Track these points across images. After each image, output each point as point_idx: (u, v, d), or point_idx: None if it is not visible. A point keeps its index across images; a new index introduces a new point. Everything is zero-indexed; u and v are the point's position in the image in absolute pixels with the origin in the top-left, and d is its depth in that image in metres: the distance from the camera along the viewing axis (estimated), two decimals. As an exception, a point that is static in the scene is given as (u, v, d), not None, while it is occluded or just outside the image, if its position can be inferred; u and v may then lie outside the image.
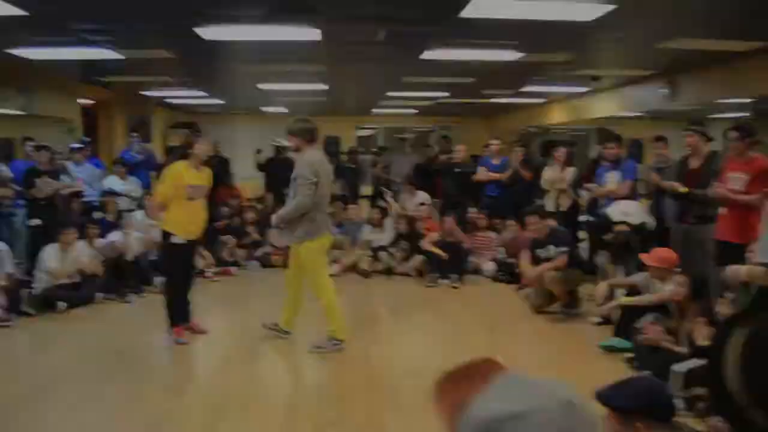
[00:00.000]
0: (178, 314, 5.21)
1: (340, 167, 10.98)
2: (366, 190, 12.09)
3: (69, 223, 6.90)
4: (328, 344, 4.87)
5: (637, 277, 5.04)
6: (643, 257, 4.89)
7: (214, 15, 5.36)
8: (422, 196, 8.95)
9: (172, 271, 5.35)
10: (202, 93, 11.61)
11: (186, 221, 5.18)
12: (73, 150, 8.67)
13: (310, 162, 4.86)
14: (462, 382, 0.95)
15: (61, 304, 6.21)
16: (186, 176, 5.14)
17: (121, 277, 6.93)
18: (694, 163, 5.61)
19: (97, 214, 7.97)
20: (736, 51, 6.71)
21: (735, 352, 0.99)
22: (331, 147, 16.25)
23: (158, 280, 6.89)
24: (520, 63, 7.54)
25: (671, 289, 4.58)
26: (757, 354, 0.97)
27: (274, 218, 5.13)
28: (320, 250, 4.97)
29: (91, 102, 11.49)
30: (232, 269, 8.07)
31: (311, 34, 6.04)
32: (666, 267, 4.72)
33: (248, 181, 12.14)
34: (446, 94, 11.54)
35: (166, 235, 5.20)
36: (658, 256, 4.84)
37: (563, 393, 0.81)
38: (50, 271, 6.38)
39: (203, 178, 5.31)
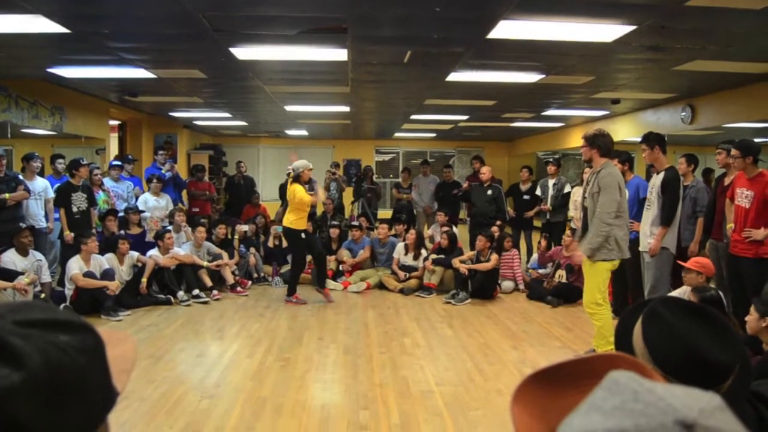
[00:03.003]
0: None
1: (362, 190, 11.23)
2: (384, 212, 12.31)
3: (90, 233, 7.09)
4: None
5: (676, 293, 5.07)
6: (685, 264, 4.92)
7: (250, 35, 5.57)
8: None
9: (300, 254, 7.57)
10: (226, 114, 11.87)
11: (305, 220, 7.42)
12: (111, 167, 8.98)
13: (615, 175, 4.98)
14: (560, 382, 0.80)
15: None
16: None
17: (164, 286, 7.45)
18: (728, 180, 5.87)
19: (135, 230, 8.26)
20: (756, 73, 6.84)
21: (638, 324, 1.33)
22: (352, 170, 16.53)
23: (180, 293, 7.40)
24: (540, 85, 7.71)
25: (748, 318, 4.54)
26: (648, 324, 1.30)
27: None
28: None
29: (119, 122, 11.81)
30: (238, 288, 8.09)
31: (338, 54, 6.24)
32: (706, 273, 4.77)
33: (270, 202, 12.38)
34: (466, 117, 11.73)
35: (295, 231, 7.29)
36: (698, 262, 4.87)
37: (687, 410, 0.57)
38: (72, 278, 6.65)
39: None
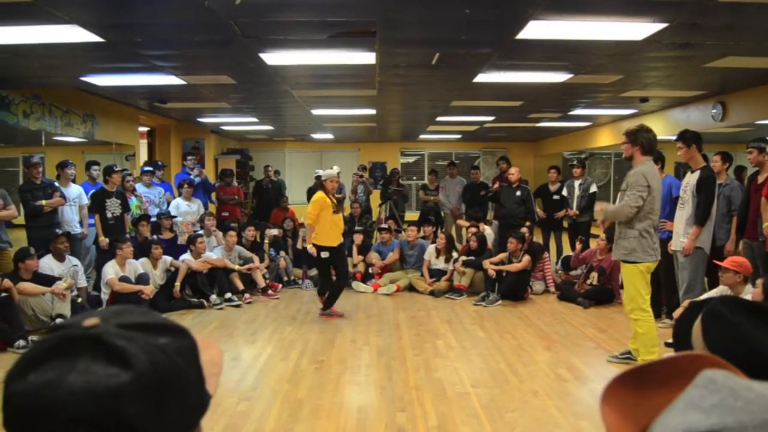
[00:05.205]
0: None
1: (388, 192, 11.26)
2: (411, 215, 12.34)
3: (125, 238, 7.22)
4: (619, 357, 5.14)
5: (713, 293, 5.03)
6: (722, 263, 4.82)
7: (280, 40, 5.61)
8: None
9: (323, 272, 7.06)
10: (253, 119, 11.96)
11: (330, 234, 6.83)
12: (143, 173, 9.12)
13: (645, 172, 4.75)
14: (647, 382, 0.80)
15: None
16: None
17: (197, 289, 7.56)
18: (762, 178, 5.80)
19: (166, 234, 8.36)
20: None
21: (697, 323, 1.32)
22: (378, 172, 16.59)
23: (213, 297, 7.48)
24: (568, 84, 7.66)
25: (752, 291, 4.48)
26: (709, 323, 1.28)
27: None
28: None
29: (148, 129, 11.98)
30: (269, 291, 8.16)
31: (367, 57, 6.27)
32: (743, 272, 4.69)
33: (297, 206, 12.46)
34: (492, 117, 11.69)
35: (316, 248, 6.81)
36: (735, 261, 4.80)
37: None
38: (108, 282, 6.78)
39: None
